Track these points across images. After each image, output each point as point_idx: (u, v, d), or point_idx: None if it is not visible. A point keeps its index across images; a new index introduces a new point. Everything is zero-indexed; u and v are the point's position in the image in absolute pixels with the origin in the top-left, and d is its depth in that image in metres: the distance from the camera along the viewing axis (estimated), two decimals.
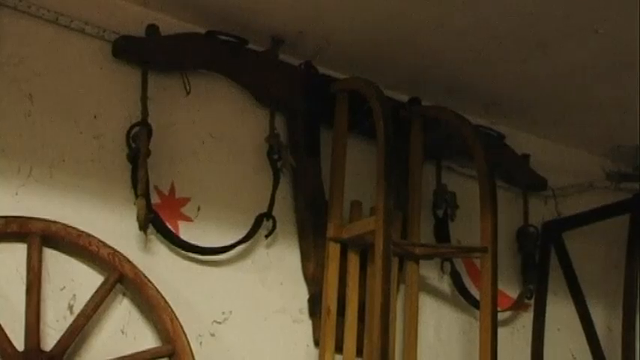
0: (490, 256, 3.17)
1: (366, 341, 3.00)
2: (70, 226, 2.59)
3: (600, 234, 3.80)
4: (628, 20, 2.97)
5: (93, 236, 2.62)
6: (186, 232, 2.87)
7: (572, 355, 3.73)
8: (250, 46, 3.05)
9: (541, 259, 3.72)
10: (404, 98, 3.38)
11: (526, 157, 3.72)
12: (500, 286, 3.35)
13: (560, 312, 3.74)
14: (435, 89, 3.41)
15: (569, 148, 3.95)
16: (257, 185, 3.05)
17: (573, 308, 3.75)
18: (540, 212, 3.78)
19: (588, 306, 3.73)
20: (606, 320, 3.78)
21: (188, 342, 2.68)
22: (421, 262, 3.28)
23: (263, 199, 3.01)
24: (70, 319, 2.55)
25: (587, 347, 3.70)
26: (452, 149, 3.50)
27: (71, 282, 2.61)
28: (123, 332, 2.68)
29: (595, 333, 3.70)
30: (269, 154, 3.05)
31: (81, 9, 2.76)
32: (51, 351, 2.47)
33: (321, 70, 3.22)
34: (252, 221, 2.96)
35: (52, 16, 2.66)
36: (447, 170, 3.52)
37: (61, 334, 2.52)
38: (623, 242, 3.61)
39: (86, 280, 2.63)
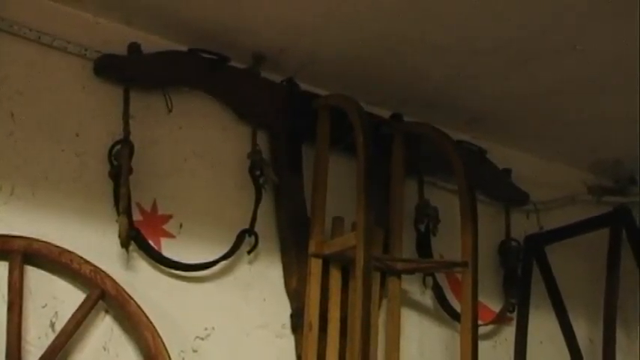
0: (471, 270, 3.17)
1: (347, 356, 2.99)
2: (52, 244, 2.58)
3: (582, 247, 3.81)
4: (605, 36, 3.00)
5: (75, 254, 2.62)
6: (169, 249, 2.86)
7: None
8: (232, 63, 3.06)
9: (523, 273, 3.72)
10: (386, 114, 3.40)
11: (508, 171, 3.74)
12: (483, 300, 3.42)
13: (542, 325, 3.75)
14: (416, 105, 3.41)
15: (550, 163, 3.96)
16: (239, 201, 3.04)
17: (556, 321, 3.75)
18: (522, 226, 3.79)
19: (570, 319, 3.74)
20: (588, 333, 3.79)
21: (170, 358, 2.67)
22: (403, 276, 3.29)
23: (245, 215, 3.01)
24: (52, 337, 2.54)
25: (568, 356, 3.70)
26: (433, 164, 3.50)
27: (53, 299, 2.60)
28: (105, 349, 2.67)
29: (577, 345, 3.71)
30: (251, 170, 3.04)
31: (63, 28, 2.77)
32: None
33: (303, 86, 3.23)
34: (234, 237, 2.96)
35: (34, 35, 2.67)
36: (428, 185, 3.51)
37: (43, 351, 2.51)
38: (604, 256, 3.60)
39: (68, 297, 2.62)
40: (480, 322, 3.28)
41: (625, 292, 3.68)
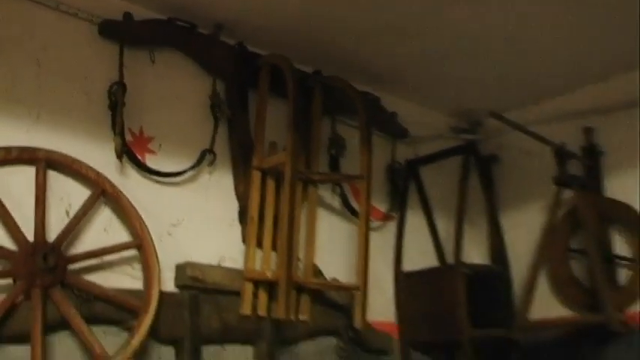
0: (366, 181, 3.24)
1: (278, 241, 3.03)
2: (67, 155, 2.60)
3: (444, 168, 3.82)
4: (475, 11, 2.96)
5: (83, 162, 2.64)
6: (151, 162, 2.87)
7: (422, 250, 3.79)
8: (200, 30, 3.03)
9: (403, 185, 3.76)
10: (310, 70, 3.37)
11: (394, 114, 3.74)
12: (374, 204, 3.50)
13: (415, 221, 3.79)
14: (332, 64, 3.37)
15: (426, 109, 3.95)
16: (203, 129, 3.04)
17: (424, 219, 3.84)
18: (404, 153, 3.81)
19: (434, 217, 3.84)
20: (446, 227, 3.82)
21: (151, 238, 2.72)
22: (319, 185, 3.32)
23: (207, 139, 3.02)
24: (67, 221, 2.58)
25: (432, 245, 3.81)
26: (343, 108, 3.48)
27: (67, 195, 2.63)
28: (105, 230, 2.71)
29: (438, 235, 3.81)
30: (212, 107, 3.05)
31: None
32: (53, 242, 2.50)
33: (251, 48, 3.21)
34: (198, 154, 2.98)
35: (53, 3, 2.66)
36: (339, 122, 3.52)
37: (60, 230, 2.55)
38: (458, 174, 3.66)
39: (78, 194, 2.64)
40: (371, 218, 3.36)
41: (471, 198, 3.75)
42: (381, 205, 3.68)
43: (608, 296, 3.28)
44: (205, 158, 3.01)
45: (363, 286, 3.14)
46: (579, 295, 3.60)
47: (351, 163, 3.46)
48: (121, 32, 2.81)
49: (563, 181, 3.54)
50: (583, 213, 3.49)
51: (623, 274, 3.50)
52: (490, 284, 3.72)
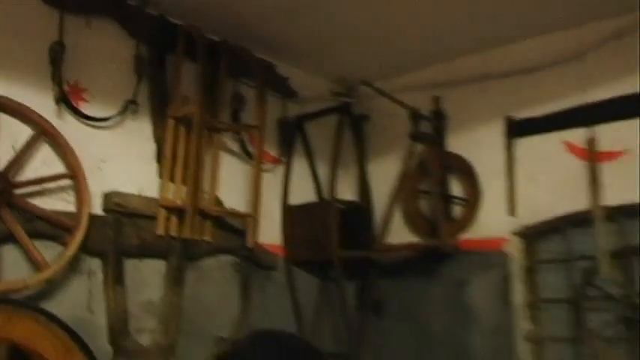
0: (260, 131, 3.45)
1: (187, 179, 3.15)
2: (14, 100, 2.70)
3: (325, 124, 3.93)
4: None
5: (29, 107, 2.74)
6: (85, 108, 2.95)
7: (304, 188, 3.89)
8: (129, 2, 3.11)
9: (292, 136, 3.88)
10: (218, 39, 3.39)
11: (287, 78, 3.85)
12: (268, 149, 3.69)
13: (300, 165, 3.94)
14: (238, 35, 3.41)
15: (313, 76, 4.03)
16: (128, 84, 3.10)
17: (307, 163, 4.00)
18: (294, 110, 3.90)
19: (315, 162, 3.99)
20: (324, 171, 3.91)
21: (83, 171, 2.85)
22: (222, 133, 3.43)
23: (131, 92, 3.10)
24: (13, 154, 2.70)
25: (313, 184, 3.99)
26: (244, 71, 3.55)
27: (14, 133, 2.72)
28: (45, 163, 2.81)
29: (317, 177, 3.97)
30: (136, 67, 3.12)
31: None
32: (2, 171, 2.63)
33: (171, 19, 3.26)
34: (124, 103, 3.07)
35: None
36: (241, 83, 3.58)
37: (8, 161, 2.67)
38: (335, 128, 3.83)
39: (23, 133, 2.74)
40: (264, 161, 3.57)
41: (346, 149, 3.96)
42: (273, 151, 3.77)
43: (444, 226, 3.61)
44: (129, 107, 3.07)
45: (255, 214, 3.36)
46: (424, 225, 3.80)
47: (249, 116, 3.55)
48: (62, 1, 2.87)
49: (416, 137, 3.75)
50: (430, 163, 3.73)
51: (457, 210, 3.75)
52: (357, 216, 3.91)
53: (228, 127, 3.49)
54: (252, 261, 3.51)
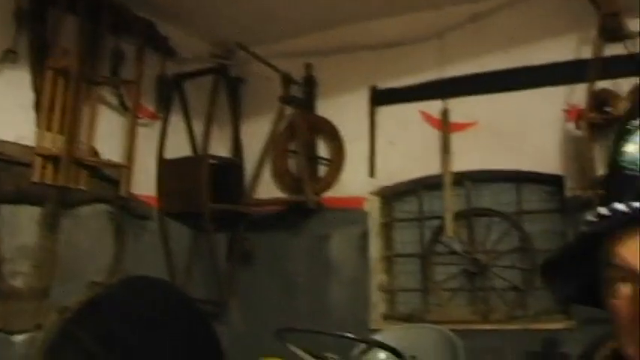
0: (137, 85, 3.61)
1: (64, 128, 3.23)
2: None
3: (202, 84, 4.05)
4: None
5: None
6: None
7: (180, 144, 4.02)
8: None
9: (169, 93, 3.98)
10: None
11: (167, 38, 3.93)
12: (146, 105, 3.80)
13: (177, 122, 4.08)
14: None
15: (193, 38, 4.12)
16: (8, 34, 3.10)
17: (183, 120, 4.12)
18: (173, 69, 4.01)
19: (191, 120, 4.10)
20: (199, 128, 4.01)
21: None
22: (101, 86, 3.51)
23: (11, 42, 3.10)
24: None
25: (188, 140, 4.07)
26: (126, 28, 3.57)
27: None
28: None
29: (193, 134, 4.09)
30: (16, 18, 3.10)
31: None
32: None
33: None
34: (2, 53, 3.07)
35: None
36: (122, 40, 3.61)
37: None
38: (211, 88, 3.96)
39: None
40: (141, 116, 3.72)
41: (221, 108, 4.10)
42: (151, 106, 3.87)
43: (309, 184, 3.94)
44: (8, 56, 3.09)
45: (129, 164, 3.53)
46: (291, 182, 4.11)
47: (129, 72, 3.64)
48: None
49: (287, 100, 4.02)
50: (298, 125, 4.01)
51: (323, 170, 4.08)
52: (229, 172, 4.11)
53: (107, 80, 3.56)
54: (127, 210, 3.62)
